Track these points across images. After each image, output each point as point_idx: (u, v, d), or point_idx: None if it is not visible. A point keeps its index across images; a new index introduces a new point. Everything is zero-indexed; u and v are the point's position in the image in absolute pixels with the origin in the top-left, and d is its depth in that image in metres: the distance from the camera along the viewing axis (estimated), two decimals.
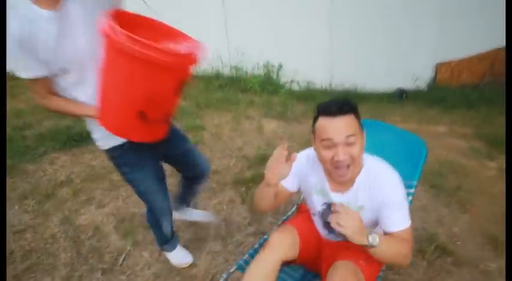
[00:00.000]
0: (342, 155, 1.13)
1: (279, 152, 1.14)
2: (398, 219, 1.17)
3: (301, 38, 4.63)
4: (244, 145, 3.33)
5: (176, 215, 2.15)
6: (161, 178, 1.67)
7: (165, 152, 1.64)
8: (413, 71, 4.52)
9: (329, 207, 1.34)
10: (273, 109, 4.11)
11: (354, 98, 4.26)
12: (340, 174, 1.18)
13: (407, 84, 4.55)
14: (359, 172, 1.24)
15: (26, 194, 2.65)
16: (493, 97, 4.11)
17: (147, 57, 1.05)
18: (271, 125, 3.76)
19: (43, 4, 1.16)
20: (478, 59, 4.47)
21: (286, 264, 1.39)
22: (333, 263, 1.27)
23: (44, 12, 1.16)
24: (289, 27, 4.63)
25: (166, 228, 1.81)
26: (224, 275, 1.50)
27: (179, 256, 1.98)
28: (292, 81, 4.89)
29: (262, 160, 2.92)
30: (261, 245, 1.60)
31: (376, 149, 1.38)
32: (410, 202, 1.55)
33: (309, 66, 4.67)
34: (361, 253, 1.28)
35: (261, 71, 5.00)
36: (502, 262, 1.90)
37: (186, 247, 2.07)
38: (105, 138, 1.43)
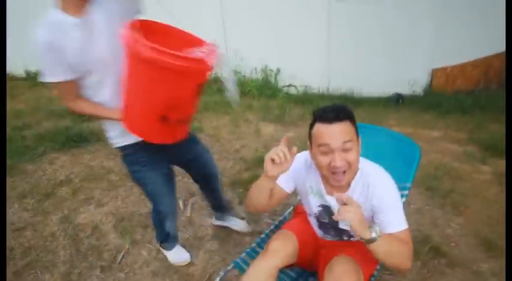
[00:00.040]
0: (338, 161, 1.15)
1: (282, 142, 1.15)
2: (395, 220, 1.18)
3: (299, 43, 4.69)
4: (241, 148, 3.37)
5: (215, 222, 2.25)
6: (170, 180, 1.71)
7: (176, 155, 1.68)
8: (410, 76, 4.59)
9: (325, 209, 1.36)
10: (270, 113, 4.16)
11: (351, 103, 4.33)
12: (336, 179, 1.20)
13: (404, 89, 4.61)
14: (354, 176, 1.26)
15: (26, 193, 2.67)
16: (486, 103, 4.17)
17: (168, 65, 1.10)
18: (268, 129, 3.81)
19: (71, 11, 1.23)
20: (473, 66, 4.55)
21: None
22: (329, 261, 1.28)
23: (72, 20, 1.23)
24: (288, 32, 4.69)
25: (169, 228, 1.85)
26: (221, 273, 1.53)
27: (177, 255, 2.01)
28: (290, 86, 4.95)
29: (260, 162, 2.95)
30: (258, 245, 1.64)
31: (371, 152, 1.40)
32: (404, 203, 1.58)
33: (307, 71, 4.72)
34: (357, 252, 1.31)
35: (259, 75, 5.05)
36: (494, 263, 1.94)
37: (184, 245, 2.10)
38: (119, 137, 1.49)
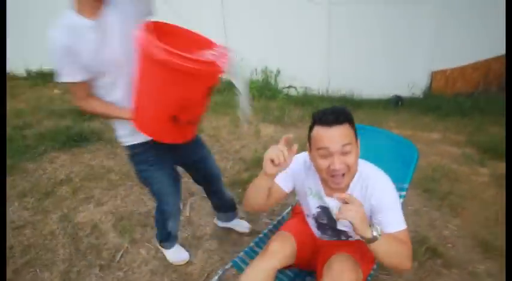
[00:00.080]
0: (337, 164, 1.15)
1: (282, 142, 1.14)
2: (394, 219, 1.19)
3: (299, 45, 4.70)
4: (241, 148, 3.38)
5: (218, 222, 2.27)
6: (176, 180, 1.73)
7: (183, 155, 1.70)
8: (410, 79, 4.60)
9: (324, 210, 1.37)
10: (270, 114, 4.17)
11: (351, 104, 4.35)
12: (336, 182, 1.21)
13: (403, 91, 4.63)
14: (353, 178, 1.27)
15: (26, 191, 2.68)
16: (486, 106, 4.19)
17: (181, 67, 1.12)
18: (268, 130, 3.82)
19: (86, 13, 1.25)
20: (473, 68, 4.57)
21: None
22: (328, 259, 1.28)
23: (88, 22, 1.25)
24: (288, 34, 4.70)
25: (171, 228, 1.86)
26: (220, 272, 1.55)
27: (176, 254, 2.02)
28: (290, 87, 4.96)
29: (259, 162, 2.95)
30: (256, 244, 1.65)
31: (370, 153, 1.42)
32: (402, 204, 1.60)
33: (307, 72, 4.74)
34: (355, 251, 1.32)
35: (259, 77, 5.06)
36: (490, 264, 1.96)
37: (183, 245, 2.11)
38: (129, 136, 1.51)
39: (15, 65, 5.35)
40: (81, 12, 1.25)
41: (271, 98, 4.78)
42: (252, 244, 1.65)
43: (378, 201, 1.21)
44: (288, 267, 1.45)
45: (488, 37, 4.30)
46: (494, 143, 3.22)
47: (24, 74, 5.66)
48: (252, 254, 1.57)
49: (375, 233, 1.05)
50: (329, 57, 4.66)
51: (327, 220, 1.39)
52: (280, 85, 4.99)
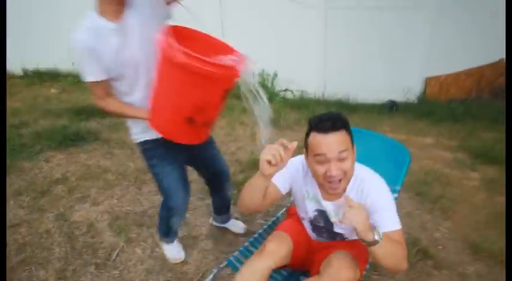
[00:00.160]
0: (334, 170, 1.17)
1: (279, 142, 1.12)
2: (389, 219, 1.21)
3: (295, 49, 4.75)
4: (237, 150, 3.42)
5: (214, 222, 2.29)
6: (185, 178, 1.75)
7: (194, 154, 1.73)
8: (404, 84, 4.66)
9: (321, 214, 1.39)
10: None
11: (346, 108, 4.39)
12: (332, 188, 1.22)
13: (398, 96, 4.69)
14: (349, 182, 1.29)
15: (21, 190, 2.69)
16: (478, 112, 4.26)
17: (201, 71, 1.16)
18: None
19: (109, 16, 1.29)
20: (466, 75, 4.64)
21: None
22: (324, 258, 1.30)
23: (110, 25, 1.29)
24: (284, 38, 4.75)
25: (174, 224, 1.89)
26: (214, 270, 1.57)
27: (174, 251, 2.04)
28: (286, 90, 5.01)
29: (255, 164, 3.00)
30: (251, 244, 1.67)
31: (362, 156, 1.45)
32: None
33: (303, 76, 4.78)
34: (351, 250, 1.34)
35: (256, 80, 5.09)
36: (480, 266, 2.00)
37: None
38: (141, 133, 1.56)
39: (12, 64, 5.34)
40: (103, 14, 1.29)
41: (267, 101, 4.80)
42: (247, 244, 1.67)
43: (373, 203, 1.23)
44: (283, 267, 1.47)
45: (482, 44, 4.39)
46: (486, 148, 3.29)
47: (21, 73, 5.65)
48: (247, 253, 1.60)
49: (376, 237, 1.07)
50: (325, 61, 4.71)
51: (323, 223, 1.41)
52: (277, 88, 5.03)
